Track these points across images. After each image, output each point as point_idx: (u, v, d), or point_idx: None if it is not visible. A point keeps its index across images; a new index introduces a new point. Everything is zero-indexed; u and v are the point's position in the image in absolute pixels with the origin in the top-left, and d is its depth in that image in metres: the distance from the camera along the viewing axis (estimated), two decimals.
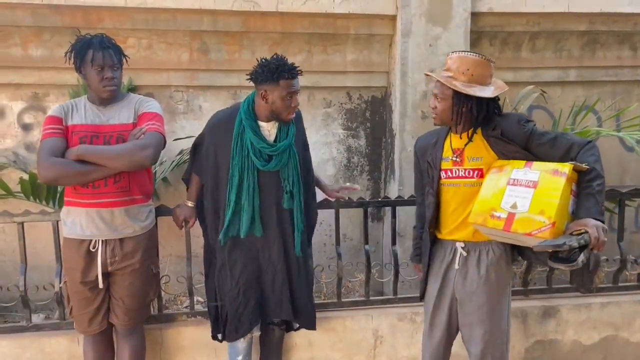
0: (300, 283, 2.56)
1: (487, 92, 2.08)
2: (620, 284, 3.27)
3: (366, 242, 3.09)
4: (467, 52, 2.13)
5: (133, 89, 3.55)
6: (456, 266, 2.24)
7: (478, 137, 2.15)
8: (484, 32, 3.83)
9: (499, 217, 1.95)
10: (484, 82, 2.10)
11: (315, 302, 3.07)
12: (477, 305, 2.18)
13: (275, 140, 2.45)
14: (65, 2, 3.25)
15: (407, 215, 3.50)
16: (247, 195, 2.41)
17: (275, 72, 2.27)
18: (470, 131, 2.15)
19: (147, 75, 3.61)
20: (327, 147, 3.95)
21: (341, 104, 3.93)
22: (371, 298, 3.13)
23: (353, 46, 3.77)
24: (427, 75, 2.31)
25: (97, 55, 2.30)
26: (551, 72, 4.07)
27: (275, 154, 2.41)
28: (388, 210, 3.74)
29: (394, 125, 3.76)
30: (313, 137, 3.88)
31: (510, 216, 1.91)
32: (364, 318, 3.04)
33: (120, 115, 2.41)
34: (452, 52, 2.16)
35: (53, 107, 2.44)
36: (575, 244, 1.75)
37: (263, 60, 2.34)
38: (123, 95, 2.50)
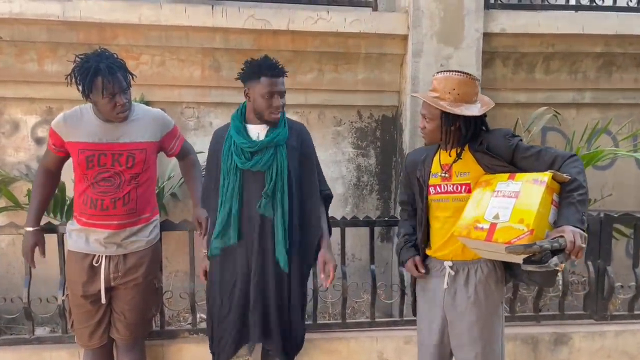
0: (281, 302, 2.36)
1: (473, 110, 2.09)
2: (635, 312, 3.16)
3: (372, 261, 3.04)
4: (452, 71, 2.13)
5: (145, 104, 3.58)
6: (444, 285, 2.20)
7: (466, 153, 2.15)
8: (497, 52, 3.80)
9: (481, 228, 1.94)
10: (469, 100, 2.10)
11: (319, 322, 3.04)
12: (467, 326, 2.14)
13: None
14: (81, 19, 3.31)
15: None
16: (226, 197, 2.31)
17: (256, 69, 2.25)
18: (458, 148, 2.16)
19: (159, 92, 3.64)
20: (336, 165, 3.92)
21: (351, 122, 3.92)
22: (376, 319, 3.06)
23: (364, 65, 3.77)
24: (414, 96, 2.31)
25: (107, 84, 2.18)
26: (566, 94, 4.01)
27: (255, 150, 2.29)
28: (397, 229, 3.68)
29: (405, 144, 3.73)
30: (322, 155, 3.79)
31: (492, 226, 1.91)
32: (369, 340, 2.97)
33: (131, 132, 2.36)
34: (437, 73, 2.17)
35: (57, 117, 2.37)
36: (548, 246, 1.73)
37: (249, 59, 2.32)
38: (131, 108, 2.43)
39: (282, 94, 2.30)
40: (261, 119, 2.32)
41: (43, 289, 3.18)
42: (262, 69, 2.25)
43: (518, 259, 1.86)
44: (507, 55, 3.84)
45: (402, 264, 2.39)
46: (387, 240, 3.98)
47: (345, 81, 3.79)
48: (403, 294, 3.03)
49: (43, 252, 2.56)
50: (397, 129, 3.92)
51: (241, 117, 2.39)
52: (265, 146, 2.31)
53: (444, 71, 2.16)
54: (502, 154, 2.07)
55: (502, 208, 1.92)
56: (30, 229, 2.51)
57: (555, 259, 1.72)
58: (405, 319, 3.06)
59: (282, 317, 2.36)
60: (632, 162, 4.02)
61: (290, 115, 3.77)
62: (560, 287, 3.13)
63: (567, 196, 1.88)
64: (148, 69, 3.57)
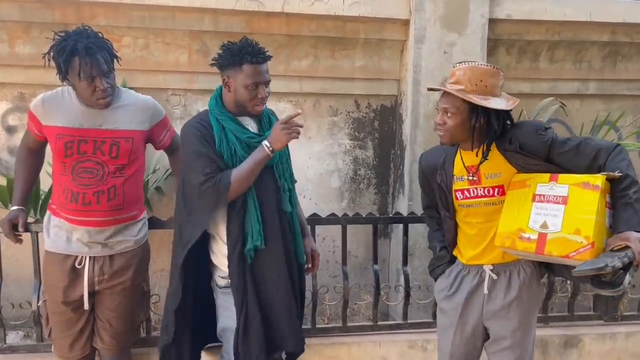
0: (301, 300, 2.26)
1: (503, 104, 1.92)
2: None
3: (375, 261, 2.86)
4: (475, 62, 1.99)
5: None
6: (485, 291, 2.04)
7: (493, 152, 1.98)
8: (500, 40, 3.65)
9: (528, 239, 1.80)
10: (496, 92, 1.94)
11: (318, 326, 2.85)
12: (510, 330, 2.01)
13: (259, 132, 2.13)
14: None
15: (417, 233, 3.28)
16: (244, 198, 2.03)
17: (237, 55, 1.96)
18: (484, 147, 1.98)
19: (142, 77, 3.39)
20: (332, 157, 3.74)
21: (348, 112, 3.73)
22: (379, 323, 2.89)
23: (362, 51, 3.58)
24: (432, 89, 2.12)
25: (85, 66, 1.95)
26: (570, 84, 3.88)
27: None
28: (396, 226, 3.52)
29: (404, 136, 3.55)
30: (317, 147, 3.70)
31: (542, 237, 1.77)
32: (371, 345, 2.80)
33: (116, 118, 2.13)
34: (459, 63, 2.00)
35: (36, 98, 2.14)
36: (619, 264, 1.57)
37: (228, 42, 2.03)
38: (116, 92, 2.18)
39: (267, 84, 2.05)
40: (244, 111, 2.07)
41: (16, 292, 2.94)
42: (244, 55, 1.96)
43: (571, 264, 1.72)
44: (511, 42, 3.69)
45: (437, 278, 2.23)
46: (385, 236, 3.80)
47: (342, 68, 3.61)
48: (408, 295, 2.86)
49: (23, 226, 2.29)
50: (396, 120, 3.75)
51: (224, 109, 2.08)
52: None
53: (466, 62, 2.00)
54: (536, 151, 1.90)
55: (550, 215, 1.77)
56: (15, 207, 2.30)
57: (627, 277, 1.57)
58: (409, 321, 2.89)
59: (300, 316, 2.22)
60: (635, 156, 3.91)
61: (283, 104, 3.62)
62: (569, 287, 3.00)
63: (622, 195, 1.72)
64: (130, 52, 3.32)
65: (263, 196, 2.06)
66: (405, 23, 3.47)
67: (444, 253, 2.21)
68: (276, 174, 2.12)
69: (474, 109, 1.91)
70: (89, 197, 2.08)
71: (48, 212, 2.23)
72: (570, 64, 3.84)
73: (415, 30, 3.39)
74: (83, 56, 1.95)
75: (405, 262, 2.88)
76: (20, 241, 2.33)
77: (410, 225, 2.91)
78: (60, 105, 2.10)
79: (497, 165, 1.97)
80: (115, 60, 2.10)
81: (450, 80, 1.99)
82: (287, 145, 2.10)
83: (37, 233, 2.49)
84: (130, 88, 3.28)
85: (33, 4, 3.08)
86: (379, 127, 3.77)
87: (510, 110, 1.97)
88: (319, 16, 3.36)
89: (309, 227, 2.42)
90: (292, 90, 3.57)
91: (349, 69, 3.61)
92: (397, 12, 3.42)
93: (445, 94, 1.97)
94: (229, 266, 2.05)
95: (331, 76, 3.60)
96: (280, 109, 3.53)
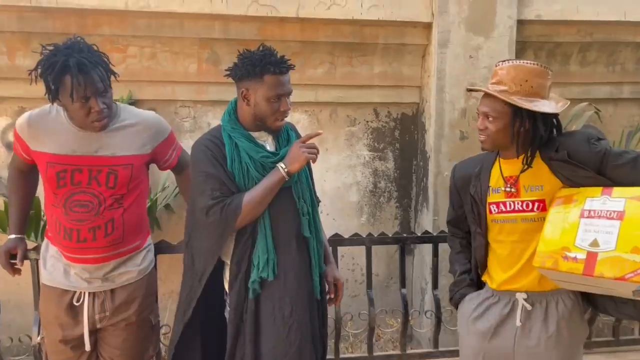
0: (322, 338, 2.01)
1: (551, 106, 1.74)
2: None
3: (402, 284, 2.66)
4: (520, 60, 1.79)
5: (133, 103, 3.17)
6: (517, 322, 1.81)
7: (537, 161, 1.77)
8: (529, 42, 3.46)
9: (575, 259, 1.58)
10: (543, 94, 1.75)
11: (342, 356, 2.64)
12: None
13: (276, 150, 1.92)
14: (57, 5, 2.88)
15: (444, 250, 3.04)
16: (257, 224, 1.84)
17: (258, 65, 1.76)
18: (527, 154, 1.78)
19: (150, 89, 3.25)
20: (350, 170, 3.56)
21: (367, 122, 3.56)
22: (408, 352, 2.66)
23: (382, 57, 3.41)
24: (472, 90, 1.94)
25: (77, 85, 1.71)
26: (603, 88, 3.69)
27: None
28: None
29: (428, 146, 3.36)
30: (335, 159, 3.52)
31: (591, 256, 1.56)
32: None
33: (114, 143, 1.90)
34: (502, 62, 1.80)
35: (21, 117, 1.93)
36: None
37: (245, 51, 1.83)
38: (114, 111, 1.95)
39: (289, 95, 1.85)
40: (262, 126, 1.87)
41: (18, 319, 2.80)
42: (265, 65, 1.76)
43: (625, 290, 1.53)
44: (540, 45, 3.50)
45: (457, 305, 2.00)
46: (408, 252, 3.58)
47: (361, 75, 3.44)
48: (439, 322, 2.63)
49: (21, 259, 2.09)
50: (418, 129, 3.56)
51: (238, 124, 1.88)
52: None
53: (509, 60, 1.81)
54: (587, 162, 1.70)
55: (602, 232, 1.57)
56: (13, 236, 2.11)
57: None
58: (440, 349, 2.67)
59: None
60: None
61: (299, 114, 3.43)
62: None
63: None
64: (137, 62, 3.18)
65: (279, 220, 1.86)
66: (427, 26, 3.30)
67: (464, 277, 1.99)
68: (295, 196, 1.90)
69: (518, 112, 1.72)
70: (84, 234, 1.87)
71: (45, 240, 2.03)
72: (602, 67, 3.65)
73: (439, 34, 3.22)
74: (75, 74, 1.70)
75: (435, 285, 2.66)
76: (18, 272, 2.14)
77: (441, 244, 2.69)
78: (50, 128, 1.87)
79: (539, 177, 1.77)
80: (112, 76, 1.86)
81: (492, 80, 1.80)
82: (306, 170, 1.93)
83: (37, 260, 2.29)
84: (137, 100, 3.20)
85: (32, 13, 2.93)
86: (400, 137, 3.61)
87: (558, 113, 1.77)
88: (335, 21, 3.21)
89: (331, 250, 2.20)
90: (307, 100, 3.40)
91: (367, 76, 3.46)
92: (418, 14, 3.26)
93: (486, 95, 1.78)
94: (229, 303, 1.86)
95: (349, 84, 3.45)
96: (295, 119, 3.37)
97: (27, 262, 2.26)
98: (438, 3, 3.18)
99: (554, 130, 1.80)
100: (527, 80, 1.72)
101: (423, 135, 3.47)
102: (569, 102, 1.81)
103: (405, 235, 2.64)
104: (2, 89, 3.12)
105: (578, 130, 1.85)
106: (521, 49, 3.44)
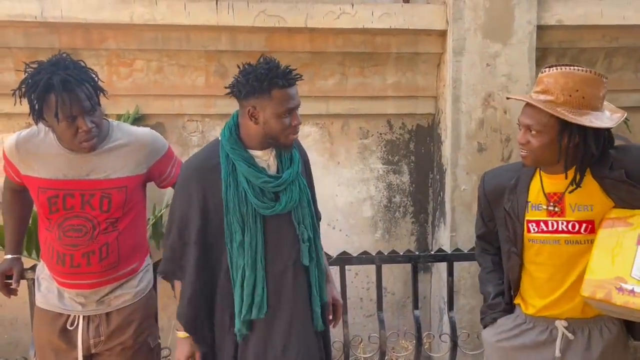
0: None
1: (605, 120, 1.56)
2: None
3: (415, 305, 2.52)
4: (571, 66, 1.59)
5: (140, 118, 3.13)
6: (557, 353, 1.66)
7: (587, 179, 1.61)
8: (550, 48, 3.30)
9: (632, 292, 1.45)
10: (596, 106, 1.57)
11: None
12: None
13: (277, 172, 1.80)
14: (63, 19, 2.85)
15: (460, 267, 2.91)
16: (250, 257, 1.71)
17: (264, 80, 1.63)
18: (574, 171, 1.61)
19: (157, 103, 3.19)
20: (363, 184, 3.44)
21: (380, 134, 3.44)
22: None
23: (395, 67, 3.30)
24: (512, 98, 1.77)
25: (62, 104, 1.64)
26: (631, 96, 3.48)
27: (282, 188, 1.75)
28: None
29: (444, 159, 3.22)
30: (347, 173, 3.40)
31: None
32: None
33: (106, 165, 1.82)
34: (548, 67, 1.62)
35: (8, 139, 1.86)
36: None
37: (247, 65, 1.71)
38: (106, 130, 1.86)
39: (298, 107, 1.74)
40: (273, 144, 1.75)
41: (26, 337, 2.78)
42: (272, 79, 1.63)
43: None
44: (562, 51, 3.34)
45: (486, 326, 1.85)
46: (425, 270, 3.45)
47: (373, 86, 3.33)
48: (455, 345, 2.47)
49: (17, 280, 2.05)
50: (434, 141, 3.43)
51: (239, 142, 1.76)
52: (292, 181, 1.76)
53: (558, 65, 1.61)
54: None
55: None
56: (9, 256, 2.06)
57: None
58: None
59: None
60: None
61: (309, 127, 3.33)
62: None
63: None
64: (143, 76, 3.12)
65: (274, 249, 1.75)
66: (442, 34, 3.17)
67: (499, 300, 1.82)
68: (295, 222, 1.78)
69: (567, 126, 1.55)
70: (78, 259, 1.80)
71: (41, 261, 1.97)
72: (630, 73, 3.47)
73: (454, 42, 3.08)
74: (60, 92, 1.63)
75: (451, 307, 2.51)
76: (14, 293, 2.09)
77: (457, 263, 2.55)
78: (40, 151, 1.80)
79: (589, 196, 1.62)
80: (100, 94, 1.78)
81: (537, 88, 1.63)
82: (306, 183, 1.82)
83: (33, 280, 2.23)
84: (143, 115, 3.13)
85: (38, 29, 2.90)
86: (415, 149, 3.47)
87: (612, 127, 1.61)
88: (345, 30, 3.11)
89: (331, 270, 2.07)
90: (318, 112, 3.29)
91: (380, 87, 3.34)
92: (432, 22, 3.13)
93: (529, 106, 1.61)
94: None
95: (360, 95, 3.34)
96: (306, 132, 3.27)
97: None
98: (452, 9, 3.04)
99: (606, 145, 1.62)
100: (577, 90, 1.54)
101: (439, 148, 3.33)
102: (625, 114, 1.64)
103: (417, 253, 2.49)
104: (11, 106, 3.07)
105: (633, 144, 1.68)
106: (542, 55, 3.28)
